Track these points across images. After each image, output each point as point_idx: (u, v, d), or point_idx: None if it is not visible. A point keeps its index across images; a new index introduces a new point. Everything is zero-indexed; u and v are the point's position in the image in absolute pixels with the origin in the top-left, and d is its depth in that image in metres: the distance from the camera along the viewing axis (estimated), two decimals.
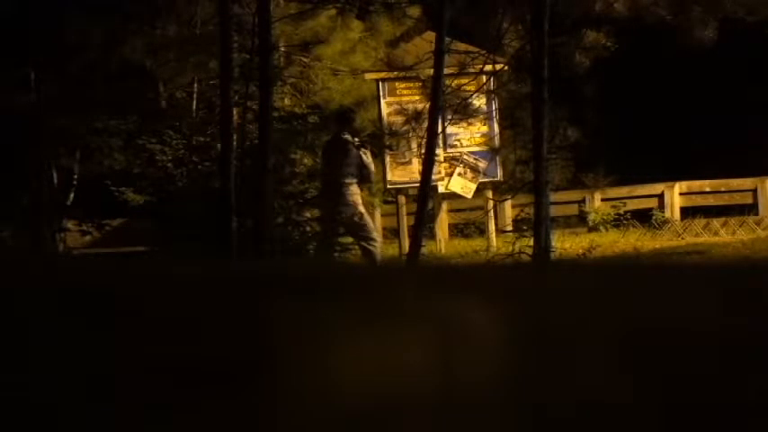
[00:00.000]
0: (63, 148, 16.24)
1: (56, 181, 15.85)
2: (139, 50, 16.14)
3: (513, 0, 12.06)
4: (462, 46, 12.83)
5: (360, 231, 11.45)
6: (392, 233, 17.32)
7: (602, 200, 19.46)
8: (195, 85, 16.66)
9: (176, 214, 13.97)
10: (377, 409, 1.33)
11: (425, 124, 11.52)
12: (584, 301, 1.62)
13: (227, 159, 11.30)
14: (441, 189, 15.61)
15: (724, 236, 17.04)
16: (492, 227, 16.38)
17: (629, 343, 1.47)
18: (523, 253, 10.97)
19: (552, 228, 11.81)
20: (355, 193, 11.47)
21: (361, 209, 11.54)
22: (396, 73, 13.75)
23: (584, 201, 19.59)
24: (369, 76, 16.76)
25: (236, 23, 12.15)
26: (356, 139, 11.55)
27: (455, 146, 15.75)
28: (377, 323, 1.51)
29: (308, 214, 14.33)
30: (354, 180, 11.41)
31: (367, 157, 11.51)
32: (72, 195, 16.60)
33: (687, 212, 19.33)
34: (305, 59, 17.23)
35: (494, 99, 14.69)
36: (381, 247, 11.98)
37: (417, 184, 12.23)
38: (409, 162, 15.61)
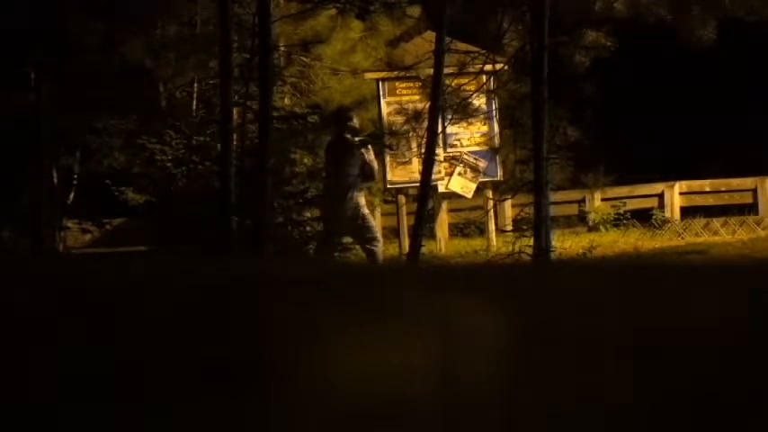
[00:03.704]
0: (63, 148, 16.24)
1: (56, 181, 15.85)
2: (139, 50, 16.13)
3: (513, 0, 12.06)
4: (462, 46, 12.83)
5: (362, 232, 11.43)
6: (392, 233, 17.31)
7: (602, 200, 19.45)
8: (195, 85, 16.65)
9: (176, 214, 13.97)
10: (377, 410, 1.33)
11: (425, 124, 11.52)
12: (584, 301, 1.62)
13: (227, 159, 11.31)
14: (441, 189, 15.61)
15: (724, 235, 17.04)
16: (492, 227, 16.37)
17: (629, 343, 1.47)
18: (523, 253, 10.97)
19: (552, 228, 11.81)
20: (358, 193, 11.45)
21: (365, 210, 11.52)
22: (396, 73, 13.76)
23: (584, 200, 19.59)
24: (369, 75, 16.76)
25: (236, 23, 12.14)
26: (356, 138, 11.53)
27: (455, 146, 15.75)
28: (377, 323, 1.51)
29: (308, 214, 14.33)
30: (357, 180, 11.39)
31: (369, 155, 11.49)
32: (72, 195, 16.60)
33: (687, 212, 19.32)
34: (305, 59, 17.23)
35: (494, 99, 14.69)
36: (383, 248, 11.97)
37: (417, 184, 12.24)
38: (409, 162, 15.61)
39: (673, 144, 25.05)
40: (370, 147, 11.64)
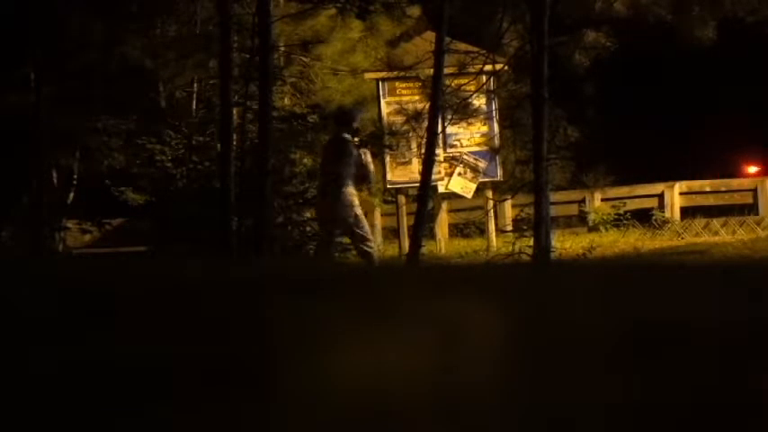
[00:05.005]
0: (63, 148, 16.24)
1: (56, 181, 15.85)
2: (139, 50, 16.14)
3: (513, 0, 12.06)
4: (462, 46, 12.83)
5: (355, 231, 11.42)
6: (392, 233, 17.32)
7: (602, 200, 19.46)
8: (195, 84, 16.66)
9: (176, 214, 13.97)
10: (377, 409, 1.33)
11: (425, 124, 11.52)
12: (584, 301, 1.62)
13: (227, 159, 11.30)
14: (441, 189, 15.61)
15: (724, 236, 17.04)
16: (492, 227, 16.37)
17: (628, 342, 1.47)
18: (523, 253, 10.96)
19: (552, 228, 11.81)
20: (352, 193, 11.42)
21: (358, 210, 11.49)
22: (396, 73, 13.74)
23: (584, 201, 19.59)
24: (369, 75, 16.76)
25: (236, 23, 12.14)
26: (356, 139, 11.52)
27: (455, 146, 15.75)
28: (377, 323, 1.51)
29: (307, 214, 14.32)
30: (352, 180, 11.38)
31: (366, 157, 11.46)
32: (72, 195, 16.61)
33: (687, 212, 19.34)
34: (305, 59, 17.24)
35: (494, 99, 14.69)
36: (377, 248, 11.95)
37: (417, 184, 12.23)
38: (409, 162, 15.62)
39: (673, 144, 25.07)
40: (368, 149, 11.61)
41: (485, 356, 1.41)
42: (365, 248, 11.32)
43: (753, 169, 24.22)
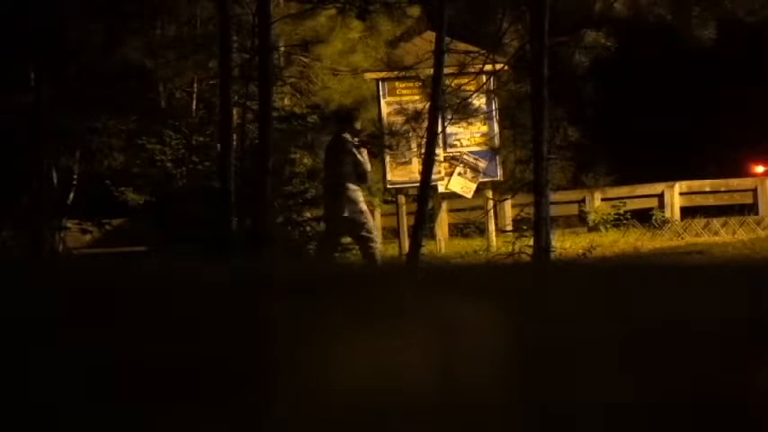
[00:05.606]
0: (63, 148, 16.23)
1: (56, 181, 15.84)
2: (139, 50, 16.13)
3: (513, 0, 12.06)
4: (462, 46, 12.83)
5: (359, 231, 11.44)
6: (392, 233, 17.31)
7: (602, 200, 19.46)
8: (195, 85, 16.65)
9: (176, 214, 13.97)
10: (377, 409, 1.33)
11: (425, 124, 11.52)
12: (584, 301, 1.62)
13: (227, 159, 11.31)
14: (441, 189, 15.62)
15: (724, 236, 17.04)
16: (492, 227, 16.38)
17: (628, 342, 1.48)
18: (523, 253, 10.97)
19: (552, 228, 11.80)
20: (355, 192, 11.46)
21: (362, 208, 11.53)
22: (396, 73, 13.74)
23: (584, 201, 19.59)
24: (369, 76, 16.76)
25: (236, 23, 12.14)
26: (355, 139, 11.55)
27: (455, 146, 15.75)
28: (377, 323, 1.51)
29: (307, 214, 14.33)
30: (353, 179, 11.42)
31: (362, 157, 11.49)
32: (72, 195, 16.60)
33: (687, 212, 19.34)
34: (305, 59, 17.23)
35: (494, 99, 14.69)
36: (380, 248, 11.97)
37: (417, 184, 12.24)
38: (409, 162, 15.61)
39: (673, 144, 25.08)
40: (362, 148, 11.63)
41: (484, 356, 1.41)
42: (368, 248, 11.35)
43: (759, 169, 24.26)
